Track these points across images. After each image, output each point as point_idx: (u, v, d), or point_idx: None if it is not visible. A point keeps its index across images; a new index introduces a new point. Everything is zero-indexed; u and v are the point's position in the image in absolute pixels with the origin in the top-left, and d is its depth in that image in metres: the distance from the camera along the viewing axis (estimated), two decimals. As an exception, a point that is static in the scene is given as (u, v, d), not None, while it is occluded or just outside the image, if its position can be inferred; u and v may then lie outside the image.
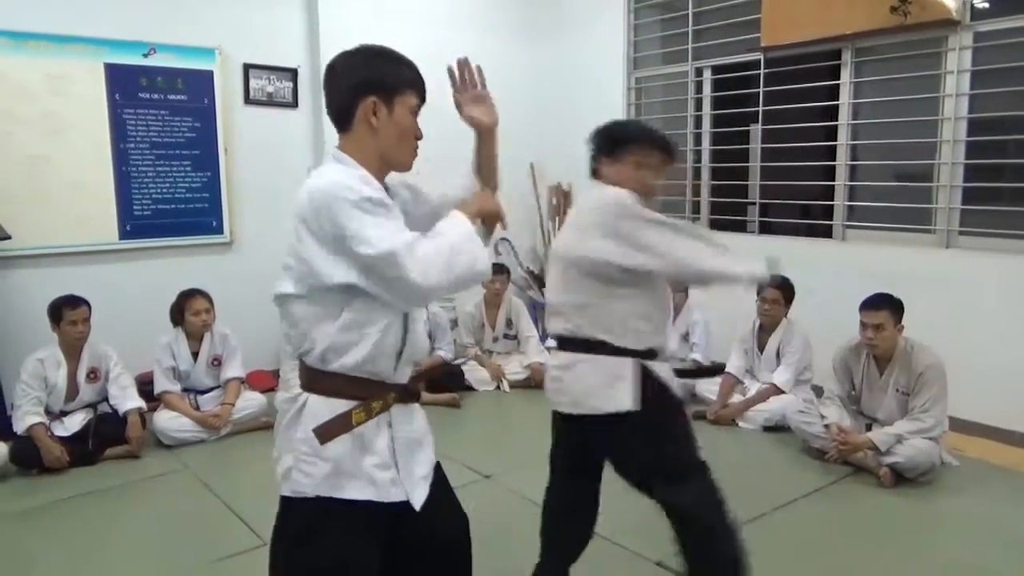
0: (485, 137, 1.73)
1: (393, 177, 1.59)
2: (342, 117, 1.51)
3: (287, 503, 1.51)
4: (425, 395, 4.69)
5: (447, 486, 1.72)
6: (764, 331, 4.37)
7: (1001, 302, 3.88)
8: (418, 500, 1.54)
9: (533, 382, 5.05)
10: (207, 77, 4.72)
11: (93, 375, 3.92)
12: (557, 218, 6.24)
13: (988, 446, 3.69)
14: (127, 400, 3.92)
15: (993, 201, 4.09)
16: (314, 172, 1.48)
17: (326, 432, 1.45)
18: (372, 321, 1.44)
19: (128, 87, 4.52)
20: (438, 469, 1.68)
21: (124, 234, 4.57)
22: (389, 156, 1.53)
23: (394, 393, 1.52)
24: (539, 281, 6.27)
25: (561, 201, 6.27)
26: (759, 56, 4.91)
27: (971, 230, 4.07)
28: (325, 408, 1.46)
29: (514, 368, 5.12)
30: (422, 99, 1.56)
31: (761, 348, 4.37)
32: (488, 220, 1.57)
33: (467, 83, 1.70)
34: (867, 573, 2.69)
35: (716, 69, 5.33)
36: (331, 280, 1.38)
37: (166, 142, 4.65)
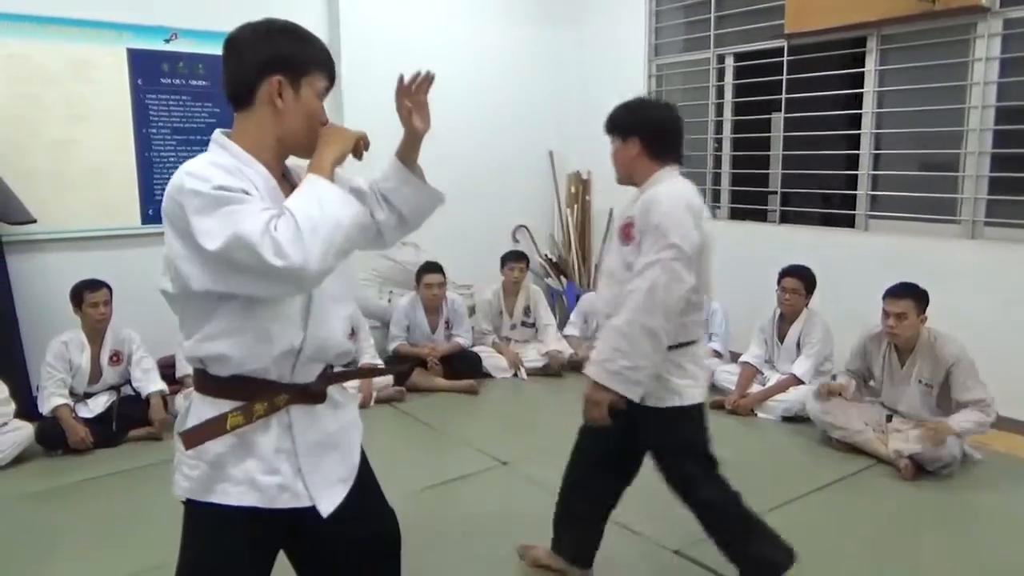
0: (415, 141, 1.62)
1: (295, 161, 1.49)
2: (241, 96, 1.38)
3: (185, 506, 1.46)
4: (443, 382, 4.74)
5: (373, 488, 1.63)
6: (784, 321, 4.34)
7: (1027, 294, 3.82)
8: (329, 506, 1.45)
9: (551, 370, 5.06)
10: (228, 62, 4.73)
11: (116, 358, 3.97)
12: (575, 206, 6.22)
13: (1015, 440, 3.64)
14: (150, 383, 3.97)
15: (1020, 191, 4.01)
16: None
17: (191, 437, 1.36)
18: (244, 328, 1.33)
19: (150, 72, 4.54)
20: (363, 471, 1.59)
21: (146, 219, 4.61)
22: (290, 141, 1.41)
23: (285, 395, 1.40)
24: (557, 268, 6.26)
25: (579, 189, 6.24)
26: (783, 43, 4.84)
27: (997, 220, 4.01)
28: (210, 409, 1.38)
29: (532, 356, 5.12)
30: (331, 82, 1.44)
31: (781, 338, 4.34)
32: (355, 153, 1.46)
33: (417, 90, 1.57)
34: (886, 566, 2.67)
35: (738, 56, 5.26)
36: (192, 285, 1.27)
37: (188, 127, 4.68)
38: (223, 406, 1.37)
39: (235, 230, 1.19)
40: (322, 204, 1.27)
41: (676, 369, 2.18)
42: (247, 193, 1.27)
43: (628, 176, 2.28)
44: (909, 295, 3.41)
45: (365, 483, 1.60)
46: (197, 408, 1.41)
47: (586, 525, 2.51)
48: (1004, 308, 3.84)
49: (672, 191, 2.14)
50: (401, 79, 1.57)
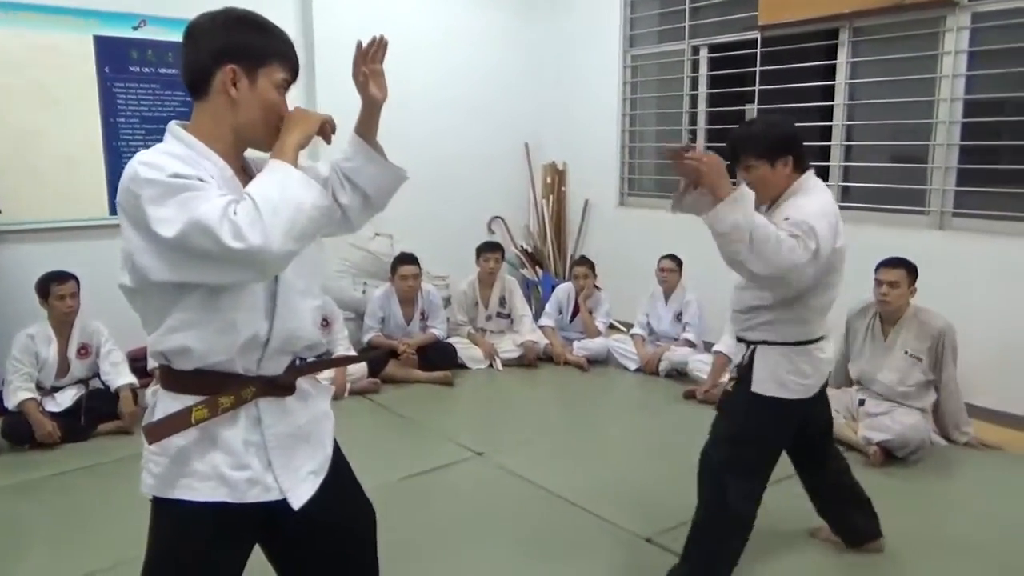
0: (373, 111, 1.61)
1: (255, 153, 1.47)
2: (197, 84, 1.36)
3: (151, 503, 1.43)
4: (418, 373, 4.73)
5: (349, 479, 1.63)
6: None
7: (994, 284, 3.89)
8: (299, 499, 1.43)
9: (526, 360, 5.07)
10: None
11: (84, 351, 3.91)
12: (551, 197, 6.22)
13: (979, 427, 3.72)
14: (119, 376, 3.92)
15: (987, 183, 4.08)
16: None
17: (155, 431, 1.33)
18: (206, 320, 1.31)
19: (118, 60, 4.46)
20: (339, 463, 1.59)
21: (115, 209, 4.50)
22: (246, 132, 1.39)
23: (253, 388, 1.38)
24: (532, 259, 6.27)
25: (555, 180, 6.25)
26: (756, 35, 4.87)
27: (965, 212, 4.08)
28: (175, 404, 1.35)
29: (507, 346, 5.13)
30: (292, 75, 1.42)
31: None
32: (324, 137, 1.45)
33: (373, 58, 1.57)
34: (857, 555, 2.72)
35: (713, 48, 5.29)
36: (151, 276, 1.25)
37: (157, 117, 4.60)
38: (188, 401, 1.34)
39: (192, 215, 1.18)
40: (283, 187, 1.25)
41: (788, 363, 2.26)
42: (202, 181, 1.25)
43: (777, 195, 2.26)
44: (902, 265, 3.55)
45: (340, 474, 1.59)
46: (163, 403, 1.38)
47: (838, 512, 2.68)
48: (971, 298, 3.91)
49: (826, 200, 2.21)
50: (359, 45, 1.55)
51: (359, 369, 4.53)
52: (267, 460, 1.41)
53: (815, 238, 2.03)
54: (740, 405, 2.32)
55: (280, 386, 1.44)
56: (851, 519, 2.67)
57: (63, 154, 4.33)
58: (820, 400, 2.43)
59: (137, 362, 4.15)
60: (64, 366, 3.86)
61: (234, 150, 1.41)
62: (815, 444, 2.56)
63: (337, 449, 1.61)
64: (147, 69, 4.55)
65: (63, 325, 3.84)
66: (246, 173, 1.43)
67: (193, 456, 1.36)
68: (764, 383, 2.25)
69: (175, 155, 1.29)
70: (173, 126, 1.38)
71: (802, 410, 2.33)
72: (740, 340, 2.36)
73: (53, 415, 3.69)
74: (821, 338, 2.29)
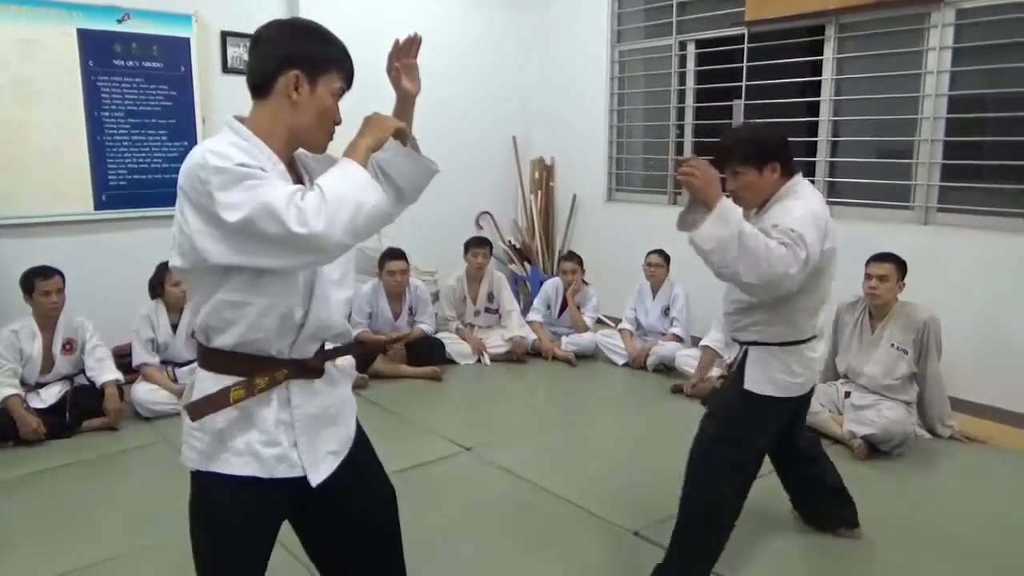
0: (407, 105, 1.73)
1: (302, 151, 1.56)
2: (261, 85, 1.46)
3: (191, 475, 1.52)
4: (407, 368, 4.72)
5: (371, 459, 1.73)
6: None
7: (978, 278, 3.92)
8: (318, 477, 1.53)
9: (514, 355, 5.07)
10: (183, 44, 4.62)
11: (69, 347, 3.88)
12: (539, 192, 6.23)
13: (963, 420, 3.76)
14: (104, 372, 3.89)
15: (972, 178, 4.12)
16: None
17: (197, 409, 1.43)
18: (251, 301, 1.40)
19: (102, 53, 4.41)
20: (362, 443, 1.68)
21: (100, 204, 4.49)
22: (302, 134, 1.48)
23: (286, 370, 1.48)
24: (520, 255, 6.27)
25: (543, 175, 6.25)
26: (743, 30, 4.89)
27: (950, 207, 4.11)
28: (214, 384, 1.45)
29: (495, 342, 5.13)
30: (347, 84, 1.52)
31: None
32: (398, 137, 1.57)
33: (409, 54, 1.69)
34: (841, 547, 2.74)
35: (700, 43, 5.30)
36: (210, 259, 1.33)
37: (142, 111, 4.56)
38: (226, 381, 1.44)
39: (261, 200, 1.27)
40: (350, 184, 1.35)
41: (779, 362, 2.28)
42: (264, 171, 1.34)
43: (764, 200, 2.27)
44: (891, 260, 3.60)
45: (364, 456, 1.68)
46: (201, 383, 1.47)
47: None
48: (955, 292, 3.95)
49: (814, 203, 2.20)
50: (396, 42, 1.67)
51: (346, 364, 4.51)
52: (293, 439, 1.50)
53: (804, 245, 2.03)
54: (732, 402, 2.35)
55: (310, 369, 1.53)
56: (825, 506, 2.75)
57: (47, 148, 4.29)
58: (808, 396, 2.47)
59: (122, 358, 4.12)
60: (48, 362, 3.82)
61: (287, 148, 1.49)
62: (794, 442, 2.62)
63: (360, 430, 1.70)
64: (132, 63, 4.51)
65: (48, 321, 3.80)
66: (294, 170, 1.52)
67: (232, 433, 1.46)
68: (757, 382, 2.28)
69: (239, 146, 1.38)
70: (231, 120, 1.47)
71: (792, 408, 2.38)
72: (734, 340, 2.41)
73: (37, 411, 3.66)
74: (812, 338, 2.31)
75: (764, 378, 2.28)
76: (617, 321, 5.26)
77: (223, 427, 1.45)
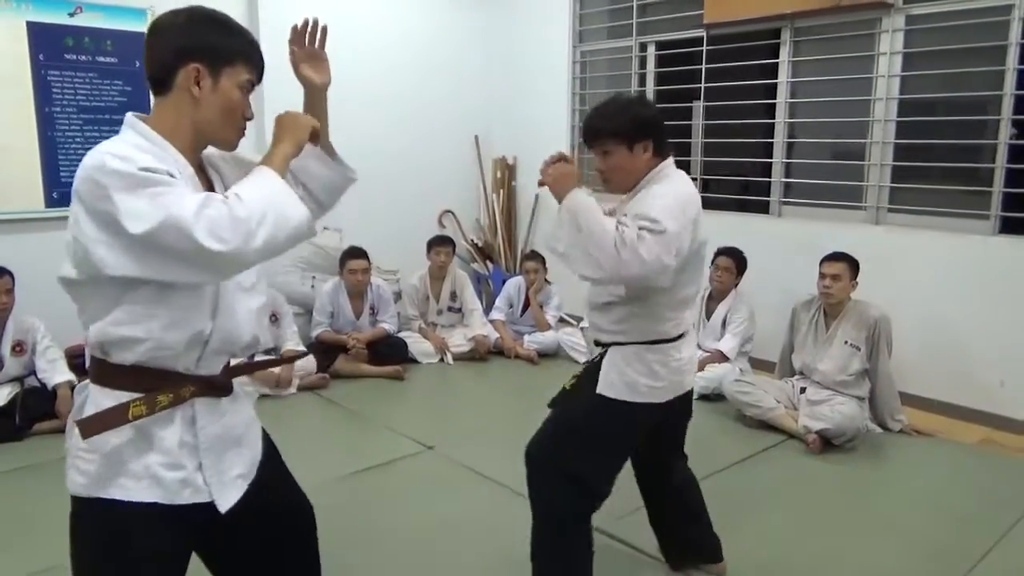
0: (316, 97, 1.61)
1: (211, 151, 1.46)
2: (160, 80, 1.35)
3: (72, 500, 1.38)
4: (368, 368, 4.70)
5: (285, 478, 1.63)
6: (712, 299, 4.49)
7: (927, 277, 4.04)
8: (227, 502, 1.40)
9: (477, 354, 5.08)
10: (138, 39, 4.51)
11: (19, 348, 3.78)
12: (501, 191, 6.24)
13: (912, 414, 3.88)
14: (56, 373, 3.80)
15: (921, 179, 4.24)
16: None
17: (90, 425, 1.28)
18: (153, 315, 1.28)
19: (53, 47, 4.30)
20: (272, 461, 1.58)
21: (51, 202, 4.38)
22: (208, 132, 1.38)
23: (192, 387, 1.36)
24: (483, 253, 6.27)
25: (505, 174, 6.26)
26: (702, 33, 4.96)
27: (900, 207, 4.23)
28: (108, 400, 1.31)
29: (458, 340, 5.13)
30: (257, 77, 1.42)
31: (708, 315, 4.49)
32: (313, 140, 1.47)
33: (311, 42, 1.58)
34: (795, 537, 2.81)
35: (660, 45, 5.36)
36: (108, 270, 1.21)
37: (95, 106, 4.46)
38: (123, 397, 1.31)
39: (169, 212, 1.16)
40: (272, 199, 1.26)
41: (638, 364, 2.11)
42: (172, 176, 1.23)
43: (635, 183, 2.10)
44: (844, 260, 3.71)
45: (276, 475, 1.58)
46: (95, 398, 1.34)
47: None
48: (906, 291, 4.06)
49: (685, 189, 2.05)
50: (294, 28, 1.57)
51: (308, 364, 4.48)
52: (198, 461, 1.38)
53: (666, 237, 1.86)
54: (581, 405, 2.15)
55: (218, 386, 1.43)
56: (685, 534, 2.50)
57: (-5, 144, 4.17)
58: (678, 412, 2.28)
59: (75, 359, 4.02)
60: (-3, 364, 3.73)
61: (193, 147, 1.39)
62: (660, 456, 2.40)
63: (271, 447, 1.60)
64: (84, 57, 4.41)
65: (-4, 321, 3.70)
66: (203, 171, 1.42)
67: (128, 455, 1.32)
68: (611, 385, 2.09)
69: (142, 148, 1.28)
70: (132, 118, 1.35)
71: (652, 417, 2.15)
72: (596, 343, 2.22)
73: (-14, 415, 3.57)
74: (679, 337, 2.14)
75: (620, 381, 2.08)
76: (579, 320, 5.28)
77: (118, 447, 1.31)
